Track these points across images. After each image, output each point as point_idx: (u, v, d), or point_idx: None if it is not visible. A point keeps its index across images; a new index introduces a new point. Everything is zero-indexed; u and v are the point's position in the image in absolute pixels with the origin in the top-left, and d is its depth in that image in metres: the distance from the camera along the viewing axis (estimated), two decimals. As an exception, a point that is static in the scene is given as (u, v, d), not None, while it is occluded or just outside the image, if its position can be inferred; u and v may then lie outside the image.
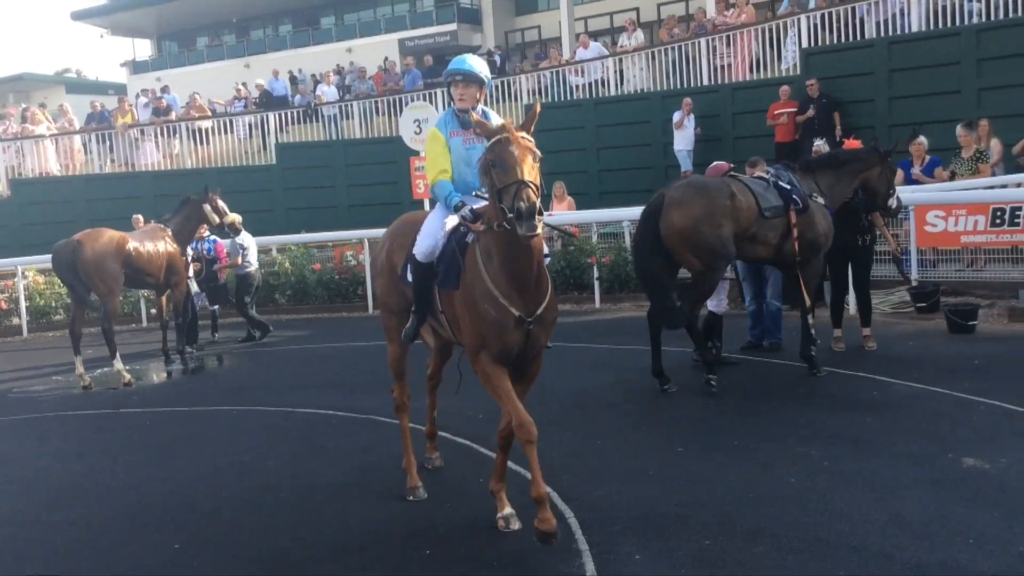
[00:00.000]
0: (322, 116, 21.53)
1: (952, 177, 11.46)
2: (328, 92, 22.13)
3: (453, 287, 4.61)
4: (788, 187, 7.51)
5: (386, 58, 25.78)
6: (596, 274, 12.78)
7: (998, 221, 10.08)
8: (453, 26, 31.51)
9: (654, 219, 7.30)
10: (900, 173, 12.01)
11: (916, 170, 11.88)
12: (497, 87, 20.20)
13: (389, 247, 5.41)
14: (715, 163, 8.54)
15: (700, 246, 7.13)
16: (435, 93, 20.21)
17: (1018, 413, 6.03)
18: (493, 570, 4.29)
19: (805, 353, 7.60)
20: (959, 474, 5.01)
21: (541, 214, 4.01)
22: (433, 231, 4.86)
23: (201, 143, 21.56)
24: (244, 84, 24.84)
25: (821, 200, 7.71)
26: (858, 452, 5.50)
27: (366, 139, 20.81)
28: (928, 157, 11.87)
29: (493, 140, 4.24)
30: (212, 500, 5.54)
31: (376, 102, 21.14)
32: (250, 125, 21.93)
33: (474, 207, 4.62)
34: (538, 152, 4.25)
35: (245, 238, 12.08)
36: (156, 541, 4.93)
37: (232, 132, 21.87)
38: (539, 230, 4.03)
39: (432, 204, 5.41)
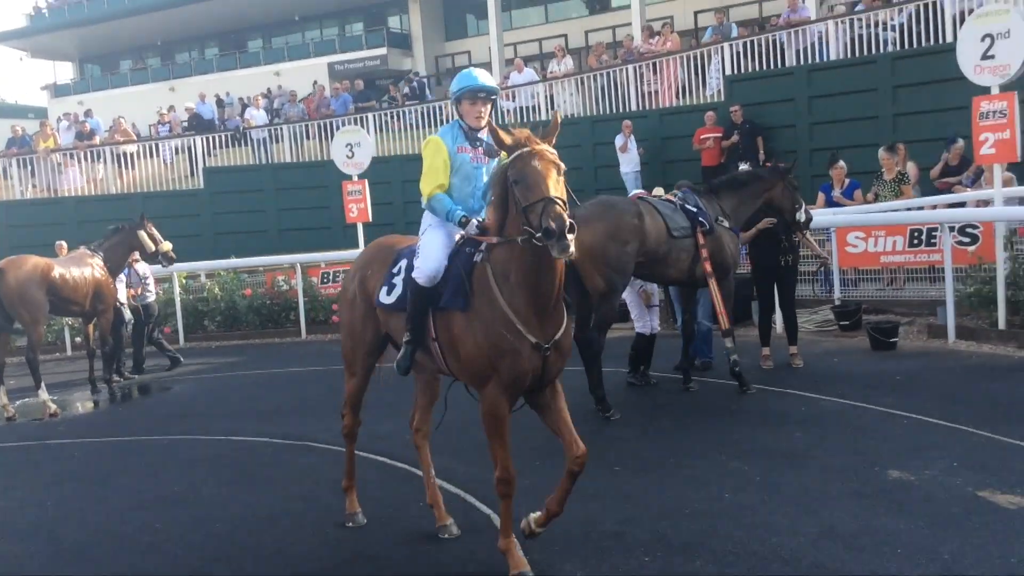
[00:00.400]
0: (251, 140, 21.31)
1: (876, 199, 11.88)
2: (257, 116, 21.93)
3: (460, 308, 4.21)
4: (694, 209, 7.71)
5: (315, 82, 25.64)
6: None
7: (915, 241, 10.48)
8: (383, 50, 31.54)
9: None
10: (821, 196, 12.44)
11: (836, 193, 12.29)
12: (427, 111, 20.31)
13: (362, 275, 4.99)
14: (633, 192, 8.84)
15: (606, 264, 7.17)
16: (367, 117, 20.21)
17: (939, 426, 6.27)
18: (435, 593, 4.29)
19: (733, 371, 7.79)
20: (885, 486, 5.18)
21: (574, 231, 3.71)
22: (436, 252, 4.44)
23: (126, 167, 21.13)
24: (172, 107, 24.47)
25: (726, 223, 7.90)
26: (789, 466, 5.65)
27: (297, 163, 20.68)
28: (848, 180, 12.29)
29: (515, 155, 3.96)
30: (144, 532, 5.42)
31: (307, 126, 21.03)
32: (176, 149, 21.58)
33: (478, 220, 4.38)
34: (562, 165, 3.98)
35: (143, 267, 11.86)
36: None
37: (158, 156, 21.49)
38: (573, 249, 3.72)
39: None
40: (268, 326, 14.35)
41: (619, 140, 16.73)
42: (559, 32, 28.99)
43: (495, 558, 4.41)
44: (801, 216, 8.35)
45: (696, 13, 26.46)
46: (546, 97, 19.05)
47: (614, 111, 18.03)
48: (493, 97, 4.61)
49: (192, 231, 18.90)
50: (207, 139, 21.36)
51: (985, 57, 9.11)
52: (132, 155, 21.23)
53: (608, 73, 18.33)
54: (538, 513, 4.50)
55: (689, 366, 8.31)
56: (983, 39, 9.12)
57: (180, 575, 4.74)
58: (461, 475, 5.96)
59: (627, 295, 8.23)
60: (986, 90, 9.22)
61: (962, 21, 11.02)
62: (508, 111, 19.42)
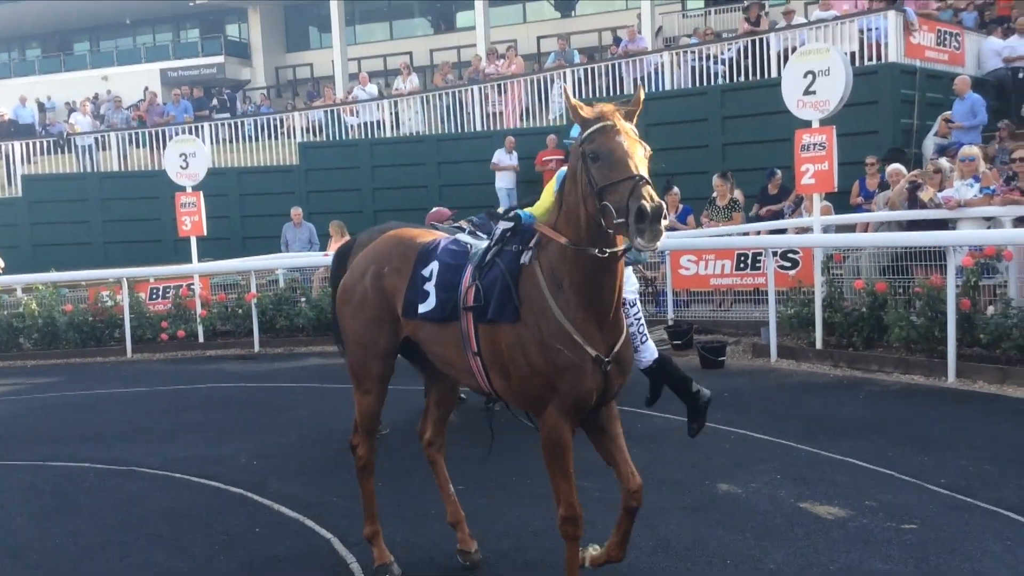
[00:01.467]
0: (75, 147, 20.13)
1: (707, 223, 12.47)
2: (82, 122, 20.76)
3: (509, 320, 3.69)
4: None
5: (147, 88, 24.53)
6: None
7: (742, 265, 11.06)
8: (220, 59, 30.61)
9: (344, 261, 7.23)
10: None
11: (671, 218, 12.81)
12: (267, 123, 19.82)
13: (377, 271, 4.34)
14: (436, 209, 8.80)
15: None
16: (202, 127, 19.50)
17: (763, 440, 6.60)
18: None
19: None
20: (715, 499, 5.40)
21: (666, 218, 3.23)
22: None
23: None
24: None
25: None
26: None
27: (125, 172, 19.71)
28: (681, 206, 12.83)
29: (594, 128, 3.43)
30: (-53, 569, 4.98)
31: (136, 134, 20.08)
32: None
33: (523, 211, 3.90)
34: (648, 147, 3.49)
35: None
36: None
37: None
38: (663, 239, 3.25)
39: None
40: (90, 344, 13.49)
41: (497, 155, 16.79)
42: (404, 49, 29.01)
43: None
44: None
45: (539, 38, 27.11)
46: (391, 113, 18.98)
47: (459, 131, 18.16)
48: None
49: (8, 242, 17.64)
50: (26, 145, 20.01)
51: (807, 92, 9.73)
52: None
53: (453, 92, 18.46)
54: (597, 550, 4.13)
55: None
56: (805, 75, 9.74)
57: (-13, 615, 4.37)
58: (301, 498, 5.79)
59: None
60: (807, 123, 9.84)
61: (786, 58, 11.74)
62: (352, 127, 19.22)
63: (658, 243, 3.20)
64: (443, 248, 4.20)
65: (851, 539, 4.65)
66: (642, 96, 3.60)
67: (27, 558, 5.07)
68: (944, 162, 10.35)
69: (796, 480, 5.62)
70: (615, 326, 3.68)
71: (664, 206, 3.21)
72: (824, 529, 4.77)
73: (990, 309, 8.46)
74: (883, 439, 6.29)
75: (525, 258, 3.76)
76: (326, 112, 19.57)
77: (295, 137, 19.39)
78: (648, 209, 3.14)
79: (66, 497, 6.26)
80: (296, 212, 15.32)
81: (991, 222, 9.36)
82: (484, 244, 4.06)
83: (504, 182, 16.86)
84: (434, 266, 4.10)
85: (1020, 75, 14.18)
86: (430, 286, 4.05)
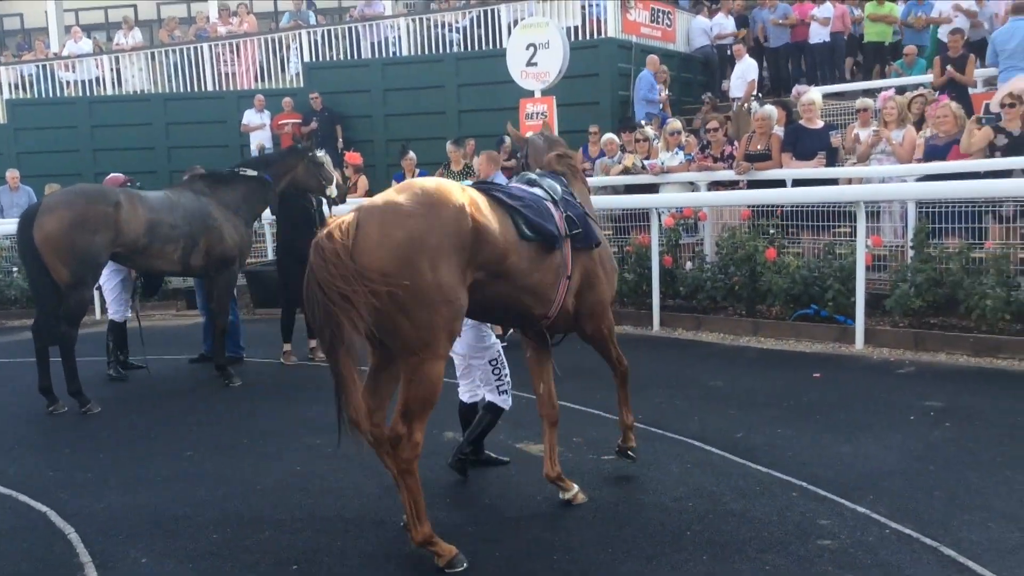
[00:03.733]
0: None
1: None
2: None
3: (600, 244, 4.73)
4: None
5: None
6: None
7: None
8: (-94, 3, 27.09)
9: (29, 226, 6.94)
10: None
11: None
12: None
13: (455, 213, 3.91)
14: (111, 175, 8.67)
15: (70, 255, 6.85)
16: None
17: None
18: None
19: (219, 363, 7.87)
20: (441, 446, 5.67)
21: None
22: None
23: None
24: None
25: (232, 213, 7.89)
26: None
27: None
28: (417, 171, 13.09)
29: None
30: None
31: None
32: None
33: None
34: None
35: None
36: None
37: None
38: None
39: None
40: None
41: (250, 116, 16.06)
42: (128, 2, 27.03)
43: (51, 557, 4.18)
44: (332, 191, 8.44)
45: (275, -4, 26.24)
46: (111, 70, 17.76)
47: (189, 90, 17.35)
48: None
49: None
50: None
51: (529, 64, 10.28)
52: None
53: (182, 50, 17.57)
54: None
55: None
56: (528, 47, 10.30)
57: None
58: (12, 474, 5.50)
59: (107, 284, 8.23)
60: (531, 93, 10.41)
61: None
62: (68, 83, 17.81)
63: None
64: (513, 187, 4.68)
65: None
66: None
67: None
68: (650, 130, 11.31)
69: (514, 424, 6.05)
70: None
71: None
72: (535, 465, 5.20)
73: (688, 264, 9.44)
74: (593, 384, 6.86)
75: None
76: (38, 67, 17.96)
77: (2, 94, 17.68)
78: None
79: None
80: (12, 175, 14.01)
81: (692, 186, 10.38)
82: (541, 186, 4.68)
83: (259, 141, 16.18)
84: (527, 199, 4.39)
85: (727, 52, 15.60)
86: (533, 213, 4.30)
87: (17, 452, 6.00)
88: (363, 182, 13.54)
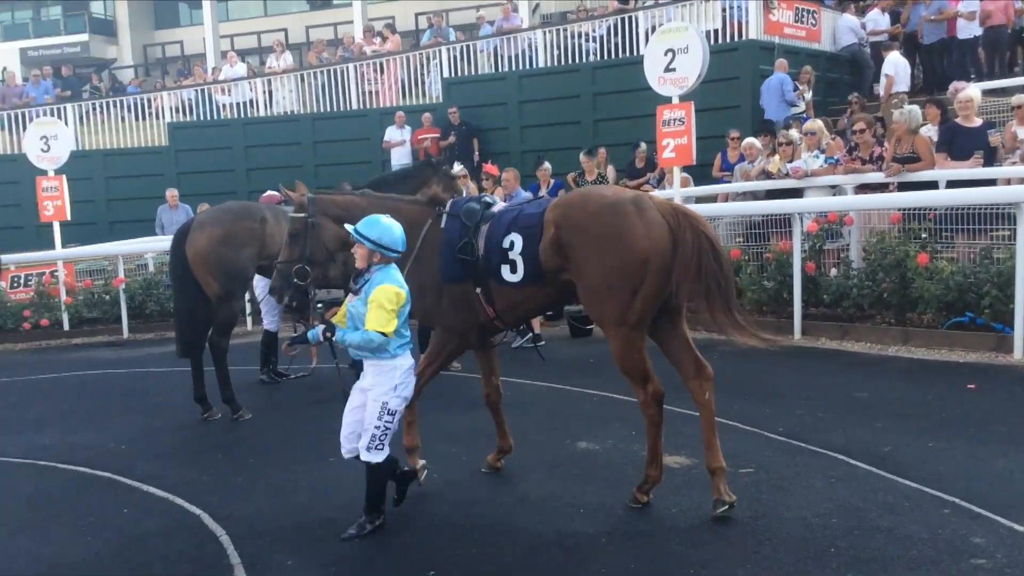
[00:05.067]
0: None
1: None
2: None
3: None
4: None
5: (4, 68, 23.36)
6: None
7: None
8: (84, 36, 29.41)
9: (181, 243, 7.35)
10: (530, 196, 13.20)
11: (543, 192, 13.08)
12: (135, 104, 19.25)
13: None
14: (267, 193, 8.95)
15: (219, 269, 7.21)
16: (65, 108, 18.77)
17: (621, 401, 6.93)
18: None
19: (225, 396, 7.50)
20: (574, 456, 5.71)
21: None
22: None
23: None
24: None
25: None
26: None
27: (-18, 157, 18.80)
28: (553, 181, 13.14)
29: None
30: None
31: (-7, 116, 19.18)
32: None
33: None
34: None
35: None
36: None
37: None
38: None
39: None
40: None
41: (390, 132, 16.60)
42: (279, 26, 28.46)
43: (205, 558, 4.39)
44: None
45: (417, 15, 26.99)
46: (264, 92, 18.67)
47: (335, 109, 18.03)
48: (362, 240, 4.46)
49: None
50: None
51: (668, 70, 10.11)
52: None
53: (329, 71, 18.29)
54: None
55: None
56: (666, 53, 10.12)
57: None
58: (170, 478, 5.82)
59: (262, 295, 8.53)
60: (668, 100, 10.25)
61: (653, 36, 12.13)
62: (224, 106, 18.83)
63: None
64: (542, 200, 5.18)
65: (692, 484, 5.01)
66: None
67: None
68: (794, 133, 10.94)
69: (643, 433, 5.94)
70: None
71: None
72: (670, 477, 5.11)
73: (833, 271, 9.06)
74: (731, 394, 6.69)
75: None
76: (197, 91, 19.09)
77: (164, 117, 18.88)
78: None
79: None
80: (172, 194, 14.92)
81: (836, 190, 9.98)
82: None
83: (400, 157, 16.70)
84: (515, 238, 4.88)
85: (879, 50, 14.92)
86: (515, 255, 4.86)
87: (174, 458, 6.34)
88: (499, 193, 13.66)
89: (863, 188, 9.61)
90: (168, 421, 7.46)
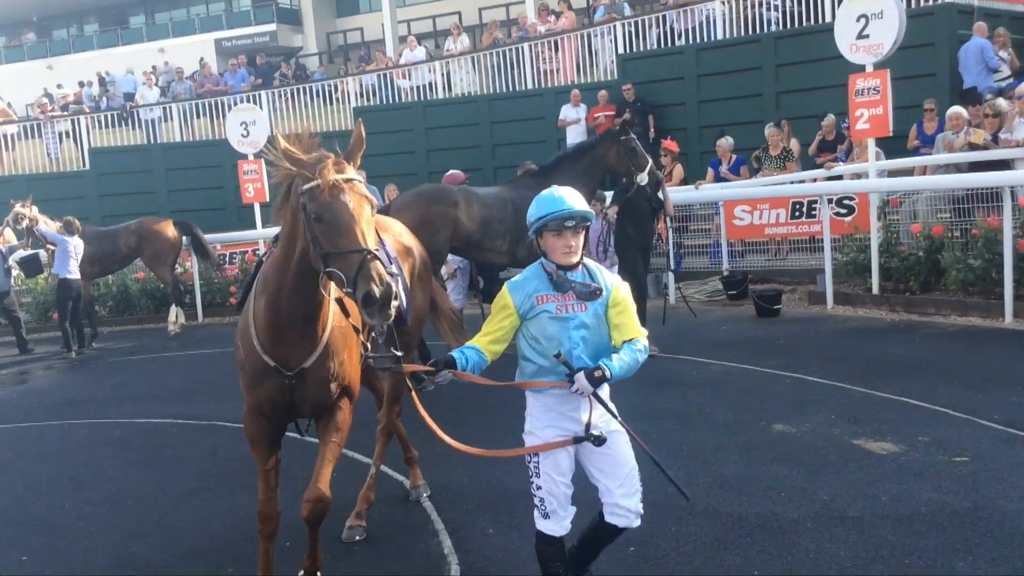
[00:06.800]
0: (139, 119, 20.69)
1: (759, 172, 12.44)
2: (149, 94, 21.30)
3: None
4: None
5: (201, 59, 24.99)
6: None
7: (797, 214, 11.07)
8: (272, 26, 30.98)
9: None
10: (710, 171, 12.95)
11: (724, 168, 12.81)
12: (322, 90, 20.14)
13: None
14: (451, 172, 9.06)
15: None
16: (259, 95, 19.88)
17: (818, 383, 6.73)
18: (355, 556, 4.46)
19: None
20: (770, 438, 5.57)
21: (397, 299, 3.17)
22: None
23: (7, 149, 20.27)
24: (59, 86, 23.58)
25: None
26: (683, 425, 6.00)
27: (187, 142, 20.21)
28: (734, 156, 12.82)
29: (314, 185, 3.26)
30: (54, 513, 5.40)
31: (196, 104, 20.55)
32: (60, 133, 20.81)
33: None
34: (375, 200, 3.41)
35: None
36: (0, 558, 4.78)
37: (40, 138, 20.67)
38: (391, 319, 3.15)
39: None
40: (163, 310, 14.01)
41: (565, 110, 16.68)
42: (453, 9, 28.99)
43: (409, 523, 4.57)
44: (643, 178, 7.98)
45: (588, -9, 26.82)
46: (443, 75, 19.12)
47: (510, 89, 18.24)
48: (588, 223, 3.39)
49: (78, 213, 18.20)
50: (91, 119, 20.64)
51: (860, 36, 9.64)
52: (12, 136, 20.37)
53: (504, 51, 18.52)
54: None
55: None
56: (858, 19, 9.65)
57: (95, 548, 4.76)
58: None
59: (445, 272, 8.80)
60: (861, 68, 9.76)
61: (839, 2, 11.58)
62: (404, 90, 19.42)
63: (389, 320, 3.16)
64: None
65: (903, 472, 4.80)
66: (363, 133, 3.51)
67: (123, 504, 5.47)
68: (1002, 102, 10.18)
69: (850, 419, 5.75)
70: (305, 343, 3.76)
71: (393, 287, 3.12)
72: (877, 463, 4.92)
73: (1049, 249, 8.40)
74: (938, 379, 6.37)
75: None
76: (379, 76, 19.78)
77: (349, 102, 19.67)
78: (376, 295, 3.09)
79: (153, 450, 6.68)
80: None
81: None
82: None
83: (576, 136, 16.41)
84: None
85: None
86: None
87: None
88: (678, 170, 13.48)
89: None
90: (367, 395, 7.74)
